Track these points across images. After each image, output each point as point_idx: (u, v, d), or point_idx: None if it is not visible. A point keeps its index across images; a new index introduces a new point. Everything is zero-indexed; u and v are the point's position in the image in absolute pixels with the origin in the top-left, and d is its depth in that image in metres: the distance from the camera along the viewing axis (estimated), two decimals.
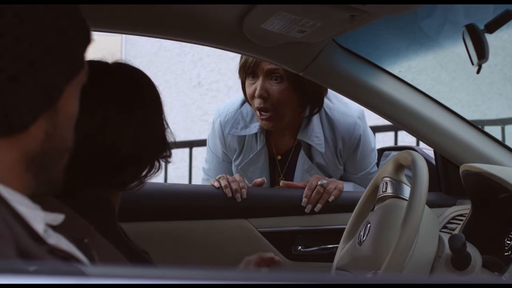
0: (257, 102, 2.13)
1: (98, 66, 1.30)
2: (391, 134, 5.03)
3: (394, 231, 1.45)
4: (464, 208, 1.93)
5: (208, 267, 1.96)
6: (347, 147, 2.20)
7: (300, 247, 2.06)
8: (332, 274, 1.72)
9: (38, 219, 0.83)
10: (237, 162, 2.27)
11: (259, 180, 2.14)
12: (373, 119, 2.29)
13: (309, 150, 2.21)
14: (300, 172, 2.22)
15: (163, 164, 1.36)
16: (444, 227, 1.92)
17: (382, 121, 2.33)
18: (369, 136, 2.25)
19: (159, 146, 1.34)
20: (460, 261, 1.48)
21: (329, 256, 1.93)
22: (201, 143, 5.16)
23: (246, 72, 2.15)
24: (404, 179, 1.65)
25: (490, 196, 1.66)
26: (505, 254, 1.57)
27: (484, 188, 1.67)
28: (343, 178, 2.25)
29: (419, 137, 1.92)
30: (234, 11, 1.57)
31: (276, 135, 2.24)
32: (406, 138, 4.66)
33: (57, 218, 0.88)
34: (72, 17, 0.89)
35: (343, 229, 1.80)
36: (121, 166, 1.29)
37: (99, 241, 1.11)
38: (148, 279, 0.64)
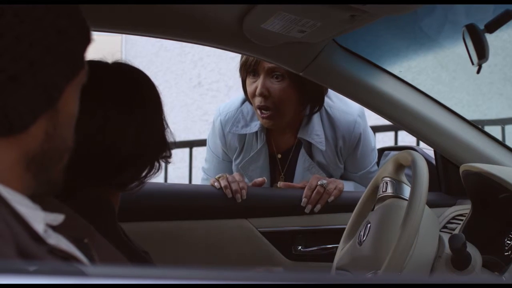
0: (258, 100, 2.13)
1: (98, 66, 1.30)
2: (391, 134, 5.03)
3: (394, 231, 1.45)
4: (464, 208, 1.93)
5: (208, 267, 1.96)
6: (347, 145, 2.20)
7: (300, 247, 2.06)
8: (332, 274, 1.72)
9: (38, 219, 0.83)
10: (237, 161, 2.27)
11: (259, 179, 2.14)
12: (373, 119, 2.29)
13: (309, 148, 2.21)
14: (301, 170, 2.22)
15: (163, 164, 1.36)
16: (444, 227, 1.92)
17: (382, 121, 2.33)
18: (369, 135, 2.25)
19: (159, 146, 1.34)
20: (460, 261, 1.48)
21: (329, 256, 1.93)
22: (201, 143, 5.16)
23: (247, 70, 2.15)
24: (404, 179, 1.65)
25: (490, 196, 1.66)
26: (505, 254, 1.57)
27: (484, 188, 1.67)
28: (343, 177, 2.26)
29: (419, 137, 1.92)
30: (234, 11, 1.57)
31: (276, 133, 2.24)
32: (406, 138, 4.66)
33: (57, 218, 0.88)
34: (72, 17, 0.89)
35: (343, 229, 1.80)
36: (121, 166, 1.29)
37: (99, 241, 1.11)
38: (148, 279, 0.64)
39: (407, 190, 1.60)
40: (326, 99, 2.20)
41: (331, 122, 2.20)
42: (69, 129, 0.90)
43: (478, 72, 1.59)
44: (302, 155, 2.22)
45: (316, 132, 2.18)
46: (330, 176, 2.22)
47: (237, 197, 2.03)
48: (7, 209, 0.78)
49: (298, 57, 1.81)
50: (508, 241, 1.59)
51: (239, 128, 2.23)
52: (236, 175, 2.08)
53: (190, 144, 5.29)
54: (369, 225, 1.60)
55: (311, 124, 2.19)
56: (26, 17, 0.83)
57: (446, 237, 1.52)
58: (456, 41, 1.69)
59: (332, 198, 2.06)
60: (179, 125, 6.61)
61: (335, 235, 1.90)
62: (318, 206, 2.05)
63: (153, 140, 1.32)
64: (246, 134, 2.24)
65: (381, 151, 2.37)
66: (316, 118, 2.19)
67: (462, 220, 1.83)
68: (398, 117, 1.86)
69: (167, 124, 1.36)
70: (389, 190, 1.65)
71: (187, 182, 5.34)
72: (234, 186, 2.03)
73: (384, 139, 5.07)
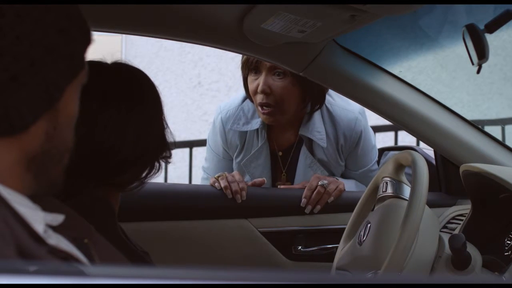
0: (259, 97, 2.13)
1: (98, 66, 1.30)
2: (391, 134, 5.03)
3: (394, 231, 1.45)
4: (464, 208, 1.93)
5: (208, 267, 1.96)
6: (348, 142, 2.20)
7: (300, 247, 2.06)
8: (332, 274, 1.72)
9: (38, 219, 0.83)
10: (238, 159, 2.27)
11: (258, 180, 2.14)
12: (373, 119, 2.29)
13: (310, 145, 2.22)
14: (302, 168, 2.22)
15: (163, 164, 1.36)
16: (444, 227, 1.92)
17: (382, 121, 2.33)
18: (370, 133, 2.25)
19: (159, 146, 1.34)
20: (460, 261, 1.48)
21: (329, 256, 1.93)
22: (201, 143, 5.15)
23: (249, 68, 2.16)
24: (404, 179, 1.65)
25: (490, 196, 1.66)
26: (505, 254, 1.57)
27: (484, 188, 1.67)
28: (344, 175, 2.26)
29: (419, 137, 1.92)
30: (234, 11, 1.57)
31: (277, 131, 2.24)
32: (406, 138, 4.67)
33: (57, 218, 0.88)
34: (72, 18, 0.89)
35: (343, 229, 1.80)
36: (121, 167, 1.28)
37: (99, 241, 1.11)
38: (148, 279, 0.64)
39: (407, 190, 1.60)
40: (327, 96, 2.20)
41: (332, 119, 2.20)
42: (69, 130, 0.90)
43: (478, 72, 1.59)
44: (304, 152, 2.22)
45: (317, 129, 2.19)
46: (331, 173, 2.22)
47: (237, 197, 2.03)
48: (7, 209, 0.78)
49: (298, 57, 1.81)
50: (508, 241, 1.59)
51: (240, 125, 2.24)
52: (236, 175, 2.08)
53: (190, 144, 5.29)
54: (369, 225, 1.60)
55: (312, 121, 2.19)
56: (27, 17, 0.83)
57: (446, 237, 1.52)
58: (456, 41, 1.69)
59: (332, 198, 2.06)
60: (179, 125, 6.61)
61: (335, 235, 1.90)
62: (318, 207, 2.05)
63: (153, 140, 1.32)
64: (247, 132, 2.24)
65: (381, 151, 2.37)
66: (317, 115, 2.20)
67: (462, 220, 1.83)
68: (398, 117, 1.86)
69: (167, 124, 1.36)
70: (389, 190, 1.65)
71: (187, 182, 5.34)
72: (234, 187, 2.03)
73: (384, 139, 5.07)
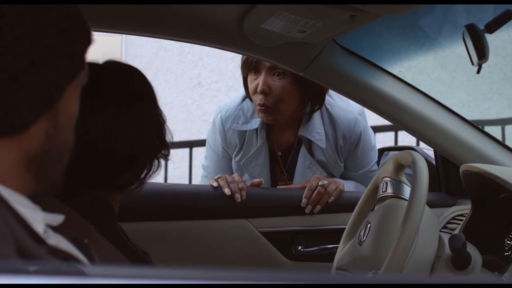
0: (259, 97, 2.13)
1: (91, 66, 1.29)
2: (391, 134, 5.03)
3: (394, 231, 1.45)
4: (464, 208, 1.93)
5: (208, 267, 1.96)
6: (347, 143, 2.20)
7: (300, 247, 2.06)
8: (332, 274, 1.72)
9: (38, 219, 0.83)
10: (237, 158, 2.27)
11: (256, 180, 2.14)
12: (373, 119, 2.29)
13: (310, 146, 2.22)
14: (301, 168, 2.22)
15: (162, 163, 1.35)
16: (444, 227, 1.92)
17: (382, 121, 2.33)
18: (370, 134, 2.25)
19: (158, 144, 1.33)
20: (460, 261, 1.48)
21: (329, 256, 1.93)
22: (201, 143, 5.15)
23: (249, 67, 2.16)
24: (404, 179, 1.65)
25: (490, 196, 1.66)
26: (505, 254, 1.57)
27: (484, 188, 1.67)
28: (343, 176, 2.26)
29: (419, 137, 1.92)
30: (234, 11, 1.57)
31: (276, 131, 2.24)
32: (406, 138, 4.67)
33: (57, 218, 0.88)
34: (72, 18, 0.89)
35: (343, 229, 1.80)
36: (121, 167, 1.28)
37: (99, 241, 1.11)
38: (148, 279, 0.64)
39: (407, 190, 1.60)
40: (326, 97, 2.20)
41: (331, 120, 2.20)
42: (69, 130, 0.90)
43: (478, 72, 1.59)
44: (303, 153, 2.22)
45: (317, 130, 2.18)
46: (330, 174, 2.22)
47: (236, 197, 2.03)
48: (7, 209, 0.78)
49: (298, 57, 1.81)
50: (508, 241, 1.59)
51: (240, 124, 2.24)
52: (236, 176, 2.08)
53: (190, 144, 5.29)
54: (369, 225, 1.60)
55: (311, 122, 2.19)
56: (27, 17, 0.83)
57: (446, 237, 1.52)
58: (456, 41, 1.69)
59: (332, 198, 2.06)
60: (179, 125, 6.61)
61: (335, 235, 1.90)
62: (318, 207, 2.05)
63: (152, 138, 1.31)
64: (246, 131, 2.24)
65: (381, 151, 2.37)
66: (316, 116, 2.19)
67: (462, 220, 1.83)
68: (398, 117, 1.86)
69: (164, 121, 1.35)
70: (389, 190, 1.65)
71: (187, 182, 5.34)
72: (233, 187, 2.03)
73: (384, 139, 5.07)
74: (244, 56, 2.17)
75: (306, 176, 2.18)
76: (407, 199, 1.49)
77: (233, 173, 2.19)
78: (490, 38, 1.55)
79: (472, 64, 1.58)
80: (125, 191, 1.33)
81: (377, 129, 4.35)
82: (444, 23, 2.33)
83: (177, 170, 6.02)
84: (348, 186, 2.18)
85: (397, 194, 1.63)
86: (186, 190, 2.18)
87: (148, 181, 1.36)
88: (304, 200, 2.05)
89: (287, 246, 2.06)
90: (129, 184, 1.32)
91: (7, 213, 0.77)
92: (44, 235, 0.82)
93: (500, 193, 1.62)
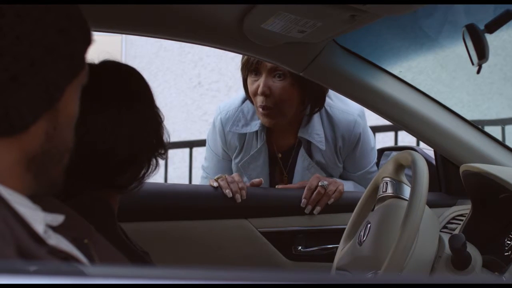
0: (259, 99, 2.13)
1: (89, 67, 1.28)
2: (391, 134, 5.03)
3: (394, 231, 1.45)
4: (464, 208, 1.93)
5: (208, 267, 1.96)
6: (346, 145, 2.20)
7: (300, 247, 2.06)
8: (332, 274, 1.72)
9: (38, 219, 0.82)
10: (237, 160, 2.27)
11: (256, 180, 2.14)
12: (373, 119, 2.29)
13: (309, 148, 2.22)
14: (300, 169, 2.22)
15: (161, 162, 1.35)
16: (444, 227, 1.92)
17: (382, 121, 2.33)
18: (369, 135, 2.25)
19: (155, 143, 1.33)
20: (460, 261, 1.48)
21: (329, 256, 1.93)
22: (201, 143, 5.15)
23: (249, 69, 2.15)
24: (404, 179, 1.65)
25: (490, 196, 1.66)
26: (505, 254, 1.57)
27: (484, 188, 1.67)
28: (342, 177, 2.26)
29: (419, 137, 1.92)
30: (234, 11, 1.57)
31: (276, 133, 2.24)
32: (406, 138, 4.66)
33: (57, 218, 0.88)
34: (72, 18, 0.89)
35: (343, 229, 1.80)
36: (121, 167, 1.28)
37: (99, 241, 1.11)
38: (148, 279, 0.64)
39: (407, 190, 1.60)
40: (326, 98, 2.20)
41: (330, 121, 2.20)
42: (69, 130, 0.90)
43: (478, 72, 1.59)
44: (302, 154, 2.22)
45: (317, 132, 2.18)
46: (329, 176, 2.22)
47: (236, 197, 2.03)
48: (7, 209, 0.78)
49: (298, 57, 1.81)
50: (508, 241, 1.59)
51: (240, 127, 2.24)
52: (235, 176, 2.08)
53: (190, 144, 5.29)
54: (369, 225, 1.60)
55: (311, 124, 2.19)
56: (27, 17, 0.83)
57: (446, 237, 1.52)
58: (456, 41, 1.69)
59: (332, 200, 2.06)
60: (179, 125, 6.61)
61: (335, 235, 1.90)
62: (318, 208, 2.05)
63: (150, 136, 1.31)
64: (246, 133, 2.24)
65: (381, 151, 2.37)
66: (316, 117, 2.19)
67: (462, 220, 1.83)
68: (398, 117, 1.86)
69: (162, 119, 1.35)
70: (389, 190, 1.65)
71: (187, 182, 5.34)
72: (233, 187, 2.03)
73: (384, 139, 5.07)
74: (244, 58, 2.17)
75: (305, 177, 2.18)
76: (407, 199, 1.49)
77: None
78: (490, 38, 1.55)
79: (472, 64, 1.58)
80: (125, 191, 1.33)
81: (377, 129, 4.35)
82: (444, 23, 2.33)
83: (177, 170, 6.03)
84: (348, 186, 2.17)
85: (397, 194, 1.63)
86: (186, 190, 2.18)
87: (146, 180, 1.36)
88: (303, 201, 2.05)
89: (287, 246, 2.06)
90: (128, 184, 1.32)
91: (7, 213, 0.77)
92: (44, 235, 0.82)
93: (500, 193, 1.62)
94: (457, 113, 1.87)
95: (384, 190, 1.66)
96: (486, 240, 1.63)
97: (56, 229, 0.88)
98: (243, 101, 2.26)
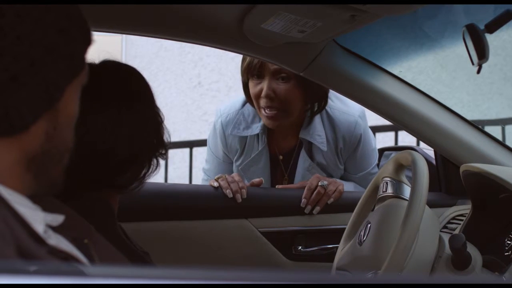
0: (263, 102, 2.13)
1: (90, 67, 1.28)
2: (391, 134, 5.03)
3: (394, 231, 1.45)
4: (464, 208, 1.93)
5: (208, 267, 1.96)
6: (347, 146, 2.20)
7: (300, 247, 2.06)
8: (332, 274, 1.72)
9: (38, 219, 0.82)
10: (238, 163, 2.27)
11: (256, 180, 2.14)
12: (373, 119, 2.29)
13: (310, 149, 2.21)
14: (301, 171, 2.22)
15: (161, 162, 1.35)
16: (445, 227, 1.92)
17: (382, 121, 2.33)
18: (370, 136, 2.25)
19: (156, 143, 1.33)
20: (460, 261, 1.48)
21: (330, 256, 1.93)
22: (202, 143, 5.15)
23: (252, 73, 2.15)
24: (404, 179, 1.65)
25: (490, 196, 1.66)
26: (505, 254, 1.57)
27: (484, 188, 1.67)
28: (343, 178, 2.25)
29: (419, 137, 1.92)
30: (234, 11, 1.57)
31: (277, 134, 2.24)
32: (406, 138, 4.66)
33: (57, 218, 0.88)
34: (73, 18, 0.89)
35: (344, 229, 1.80)
36: (121, 167, 1.28)
37: (99, 241, 1.11)
38: (148, 279, 0.64)
39: (407, 190, 1.60)
40: None
41: (331, 122, 2.20)
42: (69, 130, 0.90)
43: (478, 72, 1.59)
44: (303, 156, 2.22)
45: (318, 133, 2.18)
46: (330, 177, 2.21)
47: (237, 197, 2.03)
48: (7, 209, 0.78)
49: (298, 57, 1.81)
50: (508, 241, 1.59)
51: (241, 130, 2.23)
52: (235, 176, 2.08)
53: (190, 144, 5.29)
54: (369, 225, 1.60)
55: (312, 125, 2.19)
56: (27, 17, 0.83)
57: (446, 237, 1.52)
58: (456, 41, 1.69)
59: (331, 200, 2.06)
60: (179, 125, 6.61)
61: (336, 235, 1.90)
62: (318, 208, 2.05)
63: (150, 136, 1.31)
64: (247, 136, 2.24)
65: (381, 151, 2.36)
66: (317, 119, 2.19)
67: (462, 220, 1.83)
68: (398, 117, 1.86)
69: (162, 119, 1.35)
70: (389, 190, 1.65)
71: (187, 182, 5.34)
72: (234, 187, 2.03)
73: (384, 139, 5.07)
74: (245, 62, 2.16)
75: (306, 179, 2.18)
76: (407, 199, 1.49)
77: None
78: (490, 38, 1.55)
79: (472, 64, 1.58)
80: (125, 191, 1.33)
81: (377, 129, 4.36)
82: (444, 23, 2.33)
83: (177, 170, 6.03)
84: (348, 186, 2.17)
85: (397, 194, 1.63)
86: (186, 190, 2.18)
87: (147, 180, 1.36)
88: (303, 201, 2.05)
89: (287, 246, 2.06)
90: (128, 184, 1.32)
91: (7, 213, 0.77)
92: (44, 235, 0.82)
93: (500, 193, 1.62)
94: (457, 113, 1.87)
95: (384, 190, 1.66)
96: (486, 240, 1.63)
97: (56, 229, 0.88)
98: (244, 104, 2.26)
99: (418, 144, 3.91)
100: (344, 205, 2.05)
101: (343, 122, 2.20)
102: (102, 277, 0.65)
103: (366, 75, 1.83)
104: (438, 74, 5.39)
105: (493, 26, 1.54)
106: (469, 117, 1.88)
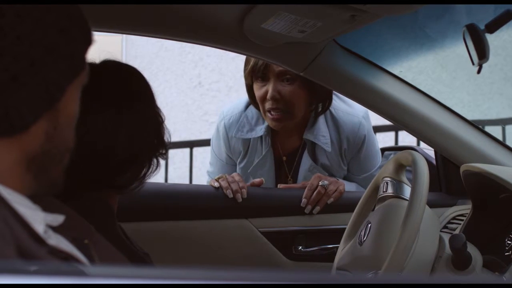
0: (269, 104, 2.12)
1: (90, 67, 1.28)
2: (391, 134, 5.03)
3: (394, 231, 1.45)
4: (464, 208, 1.93)
5: (208, 267, 1.96)
6: (351, 146, 2.20)
7: (300, 247, 2.06)
8: (333, 274, 1.72)
9: (39, 219, 0.82)
10: (242, 165, 2.26)
11: (257, 180, 2.14)
12: (373, 119, 2.29)
13: (314, 150, 2.21)
14: (305, 172, 2.21)
15: (161, 162, 1.35)
16: (445, 227, 1.91)
17: (382, 121, 2.33)
18: (374, 138, 2.25)
19: (156, 143, 1.33)
20: (460, 261, 1.48)
21: (330, 256, 1.93)
22: (202, 143, 5.16)
23: (256, 75, 2.14)
24: (404, 179, 1.65)
25: (491, 196, 1.66)
26: (506, 254, 1.57)
27: (484, 188, 1.67)
28: (346, 179, 2.25)
29: (419, 137, 1.92)
30: (234, 11, 1.57)
31: (282, 136, 2.24)
32: (406, 138, 4.67)
33: (57, 218, 0.88)
34: (73, 18, 0.89)
35: (344, 229, 1.80)
36: (121, 167, 1.28)
37: (99, 241, 1.11)
38: (148, 279, 0.64)
39: (407, 190, 1.60)
40: None
41: (335, 123, 2.20)
42: (69, 130, 0.90)
43: (478, 72, 1.59)
44: (306, 156, 2.21)
45: (322, 134, 2.18)
46: (333, 177, 2.21)
47: (237, 196, 2.03)
48: (7, 209, 0.78)
49: (298, 57, 1.81)
50: (508, 241, 1.59)
51: (245, 132, 2.23)
52: (236, 175, 2.08)
53: (191, 144, 5.29)
54: (369, 225, 1.60)
55: (317, 126, 2.19)
56: (27, 17, 0.83)
57: (446, 237, 1.52)
58: (457, 41, 1.69)
59: (332, 200, 2.05)
60: (179, 125, 6.61)
61: (336, 235, 1.90)
62: (318, 208, 2.05)
63: (150, 136, 1.31)
64: (250, 138, 2.24)
65: (382, 151, 2.36)
66: (321, 119, 2.19)
67: (462, 220, 1.83)
68: (398, 117, 1.86)
69: (162, 119, 1.35)
70: (390, 190, 1.65)
71: (187, 182, 5.34)
72: (234, 186, 2.03)
73: (385, 139, 5.07)
74: (250, 65, 2.15)
75: (309, 179, 2.18)
76: (408, 199, 1.49)
77: None
78: (491, 38, 1.55)
79: (473, 64, 1.58)
80: (125, 191, 1.33)
81: (377, 129, 4.35)
82: (444, 23, 2.33)
83: (178, 170, 6.03)
84: (349, 186, 2.17)
85: (398, 194, 1.63)
86: (186, 190, 2.18)
87: (147, 180, 1.36)
88: (304, 200, 2.05)
89: (288, 246, 2.06)
90: (128, 184, 1.32)
91: (7, 213, 0.77)
92: (44, 235, 0.82)
93: (501, 193, 1.62)
94: (457, 113, 1.87)
95: (384, 190, 1.66)
96: (487, 240, 1.63)
97: (56, 229, 0.88)
98: (247, 106, 2.25)
99: (418, 144, 3.91)
100: (345, 205, 2.05)
101: (347, 123, 2.19)
102: (102, 277, 0.65)
103: (366, 75, 1.83)
104: (439, 74, 5.39)
105: (493, 26, 1.54)
106: (469, 117, 1.88)
